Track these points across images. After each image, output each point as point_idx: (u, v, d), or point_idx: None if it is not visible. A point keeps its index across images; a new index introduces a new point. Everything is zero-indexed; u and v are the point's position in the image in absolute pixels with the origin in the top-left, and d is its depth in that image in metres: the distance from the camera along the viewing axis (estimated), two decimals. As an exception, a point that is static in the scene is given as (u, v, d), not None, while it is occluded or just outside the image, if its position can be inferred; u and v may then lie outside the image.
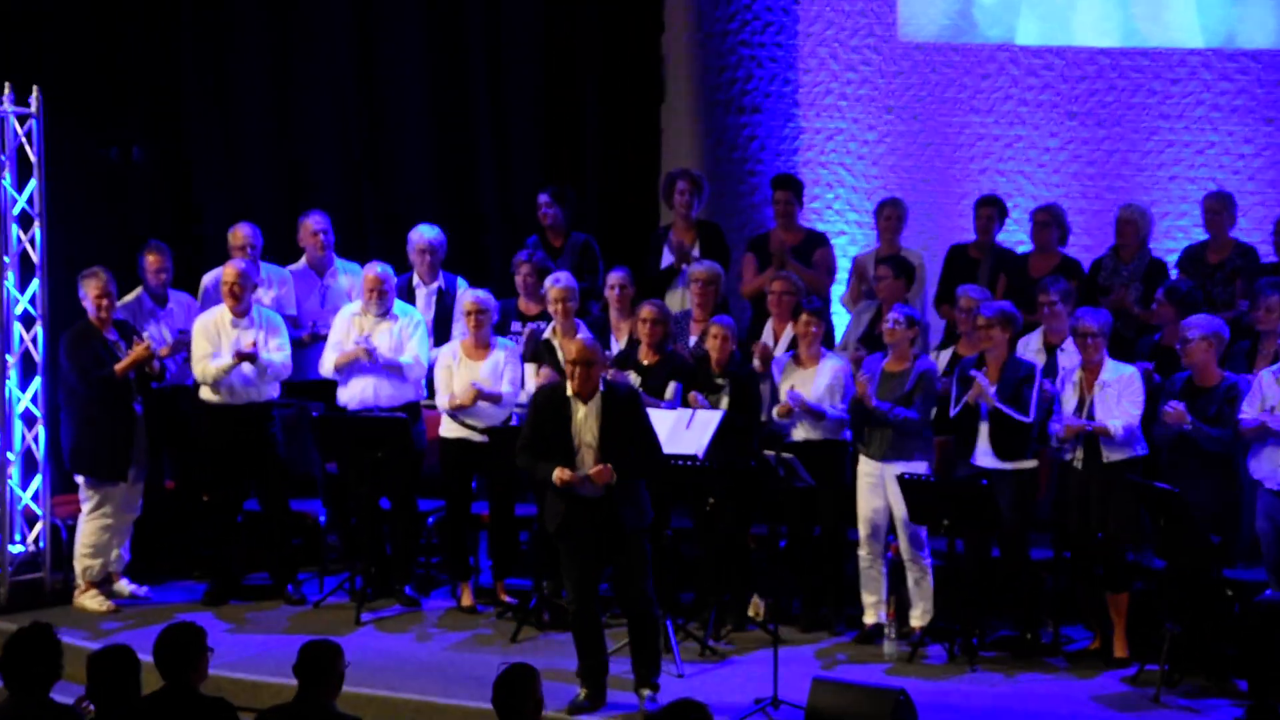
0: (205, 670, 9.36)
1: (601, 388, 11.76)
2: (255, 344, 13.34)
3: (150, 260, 14.10)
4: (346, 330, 13.91)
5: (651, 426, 12.02)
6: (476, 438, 13.44)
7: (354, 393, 13.86)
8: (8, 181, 13.59)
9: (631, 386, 12.58)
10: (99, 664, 9.52)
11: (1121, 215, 14.48)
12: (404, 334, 13.91)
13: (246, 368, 13.66)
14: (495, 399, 13.42)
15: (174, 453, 14.35)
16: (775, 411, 13.02)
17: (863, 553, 13.07)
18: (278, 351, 13.84)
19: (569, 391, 11.73)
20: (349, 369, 13.89)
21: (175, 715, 9.16)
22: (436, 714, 12.10)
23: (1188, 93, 15.81)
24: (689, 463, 12.49)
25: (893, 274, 14.07)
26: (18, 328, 13.78)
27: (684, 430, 12.61)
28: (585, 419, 11.70)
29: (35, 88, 13.69)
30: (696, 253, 15.04)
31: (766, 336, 14.08)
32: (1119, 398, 12.51)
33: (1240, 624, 12.05)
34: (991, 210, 15.05)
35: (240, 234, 14.32)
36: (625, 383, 12.65)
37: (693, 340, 13.89)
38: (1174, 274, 14.52)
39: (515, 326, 14.15)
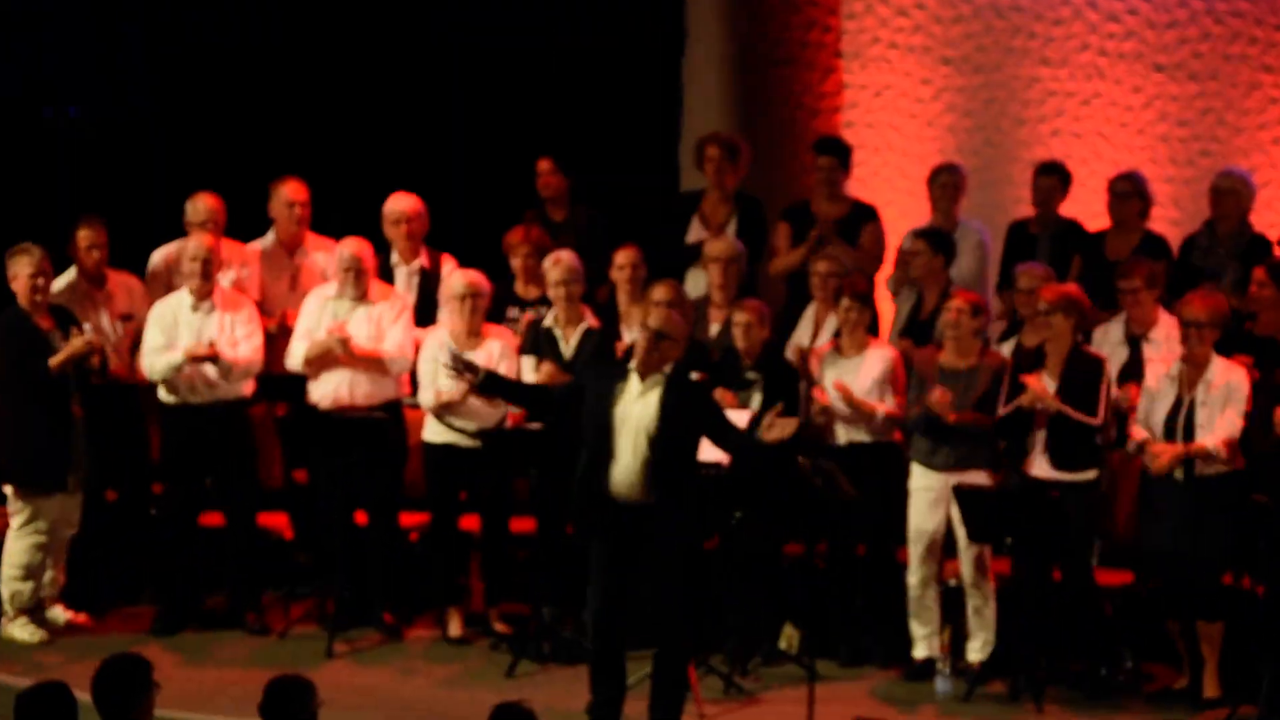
0: (150, 711, 9.32)
1: (669, 370, 11.76)
2: (213, 343, 13.31)
3: (83, 236, 14.07)
4: (318, 317, 13.93)
5: (727, 420, 12.05)
6: (467, 442, 13.48)
7: (326, 389, 13.87)
8: None
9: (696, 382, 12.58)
10: (28, 704, 9.43)
11: (1217, 184, 14.40)
12: (384, 320, 13.92)
13: (209, 368, 13.71)
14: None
15: (119, 459, 14.22)
16: (812, 410, 13.03)
17: (913, 577, 13.05)
18: (246, 342, 13.84)
19: (631, 363, 11.76)
20: (320, 362, 13.91)
21: None
22: None
23: None
24: (713, 471, 12.42)
25: (930, 249, 14.04)
26: None
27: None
28: (636, 398, 11.66)
29: None
30: (731, 230, 15.01)
31: (805, 325, 14.06)
32: (1224, 403, 12.52)
33: None
34: (1053, 180, 15.04)
35: (203, 205, 14.29)
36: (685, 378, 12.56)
37: (714, 330, 13.87)
38: None
39: (512, 313, 14.19)
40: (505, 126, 17.18)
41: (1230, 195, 14.27)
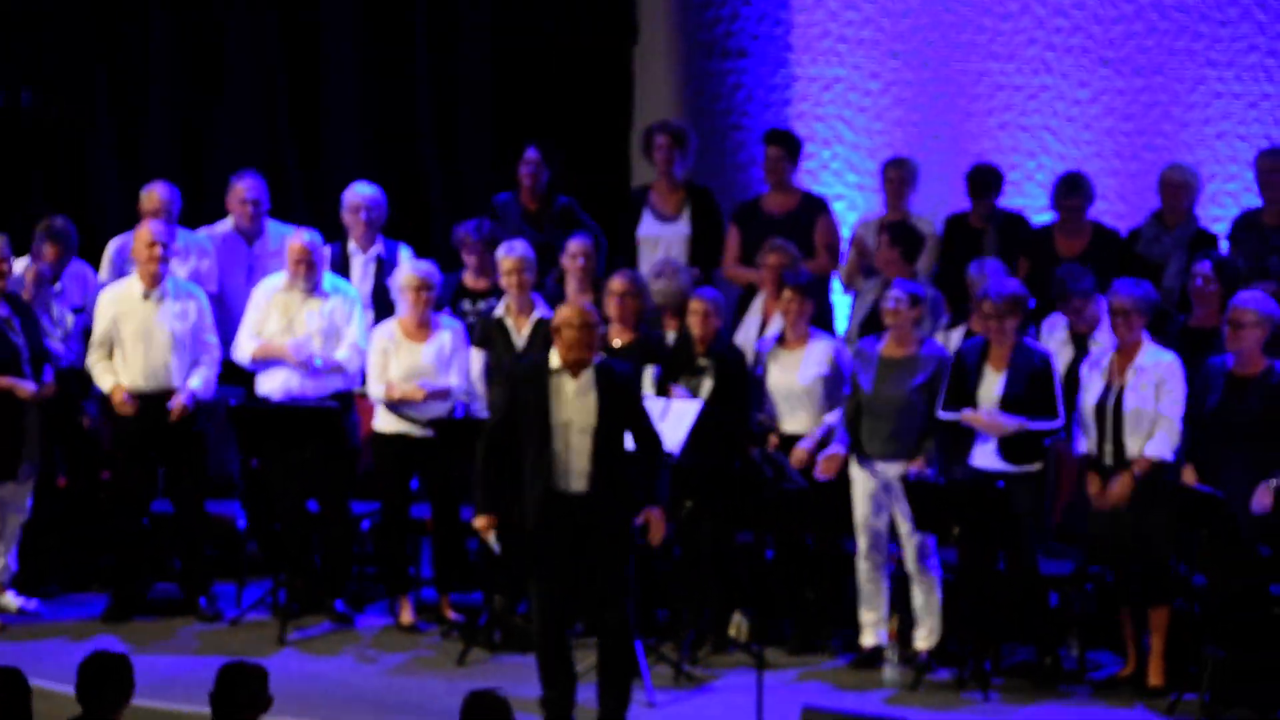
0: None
1: (596, 361, 11.81)
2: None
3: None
4: (266, 310, 13.97)
5: (648, 413, 12.18)
6: (419, 432, 13.53)
7: (277, 381, 13.90)
8: None
9: (627, 366, 12.57)
10: None
11: (1166, 177, 14.47)
12: (336, 315, 13.96)
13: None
14: (443, 394, 13.50)
15: (69, 446, 14.31)
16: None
17: (862, 565, 13.12)
18: (209, 335, 13.91)
19: (554, 364, 11.77)
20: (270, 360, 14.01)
21: None
22: None
23: (1239, 36, 15.92)
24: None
25: (892, 243, 14.05)
26: None
27: (658, 423, 12.49)
28: (575, 397, 11.73)
29: None
30: (685, 220, 15.10)
31: (753, 316, 14.15)
32: (1155, 388, 12.56)
33: None
34: (986, 178, 15.12)
35: (156, 196, 14.28)
36: (621, 363, 12.57)
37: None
38: (1225, 246, 14.60)
39: (465, 306, 14.23)
40: (469, 121, 17.13)
41: (1181, 188, 14.34)
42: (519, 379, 12.06)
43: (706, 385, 13.28)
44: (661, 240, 15.00)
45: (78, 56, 15.96)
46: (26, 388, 13.43)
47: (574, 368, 11.68)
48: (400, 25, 17.26)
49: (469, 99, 17.20)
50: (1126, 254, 14.32)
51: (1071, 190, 14.47)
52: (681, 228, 15.06)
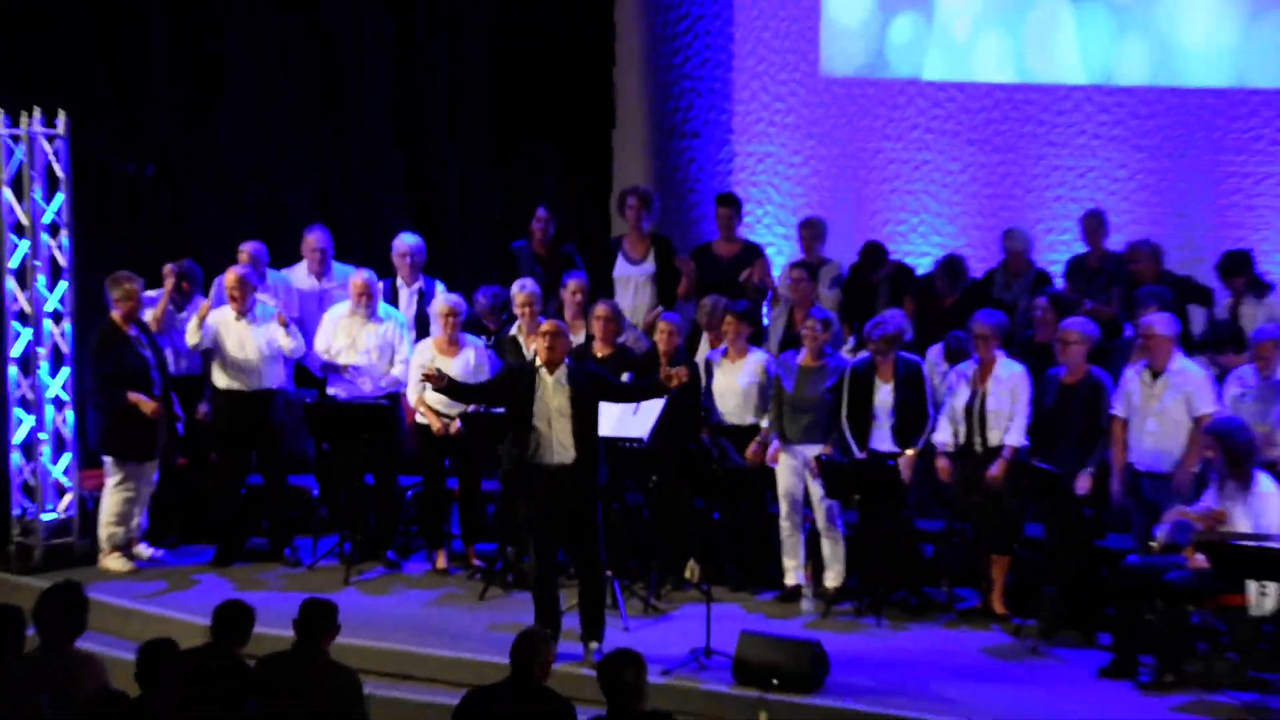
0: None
1: (567, 362, 11.86)
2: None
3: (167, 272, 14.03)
4: (333, 331, 13.92)
5: (619, 384, 12.28)
6: (452, 425, 13.42)
7: (342, 385, 13.94)
8: (38, 194, 13.52)
9: (594, 365, 12.63)
10: (49, 597, 9.47)
11: (1006, 244, 14.55)
12: (390, 335, 13.90)
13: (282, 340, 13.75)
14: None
15: (187, 434, 14.15)
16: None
17: (784, 524, 13.13)
18: (291, 340, 13.79)
19: (538, 363, 11.83)
20: (336, 368, 13.97)
21: (221, 675, 9.17)
22: (413, 662, 12.17)
23: (1071, 123, 16.03)
24: (635, 445, 12.56)
25: (806, 277, 14.09)
26: (48, 324, 13.73)
27: (631, 416, 12.54)
28: (552, 389, 11.77)
29: (62, 112, 13.57)
30: (649, 263, 15.00)
31: (704, 341, 14.04)
32: (1009, 393, 12.61)
33: (1108, 586, 12.16)
34: (877, 251, 15.21)
35: (248, 250, 14.20)
36: (591, 363, 12.69)
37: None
38: (1060, 282, 14.63)
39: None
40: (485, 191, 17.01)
41: (1016, 250, 14.47)
42: (514, 376, 12.10)
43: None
44: (632, 279, 14.93)
45: (188, 136, 15.70)
46: (148, 402, 13.40)
47: (550, 367, 11.76)
48: (425, 107, 17.14)
49: (480, 168, 17.09)
50: (985, 295, 14.28)
51: (952, 274, 14.51)
52: (647, 268, 14.95)
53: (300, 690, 9.36)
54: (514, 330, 13.87)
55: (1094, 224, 14.76)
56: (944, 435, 12.91)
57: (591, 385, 11.91)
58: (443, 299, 13.75)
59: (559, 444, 11.80)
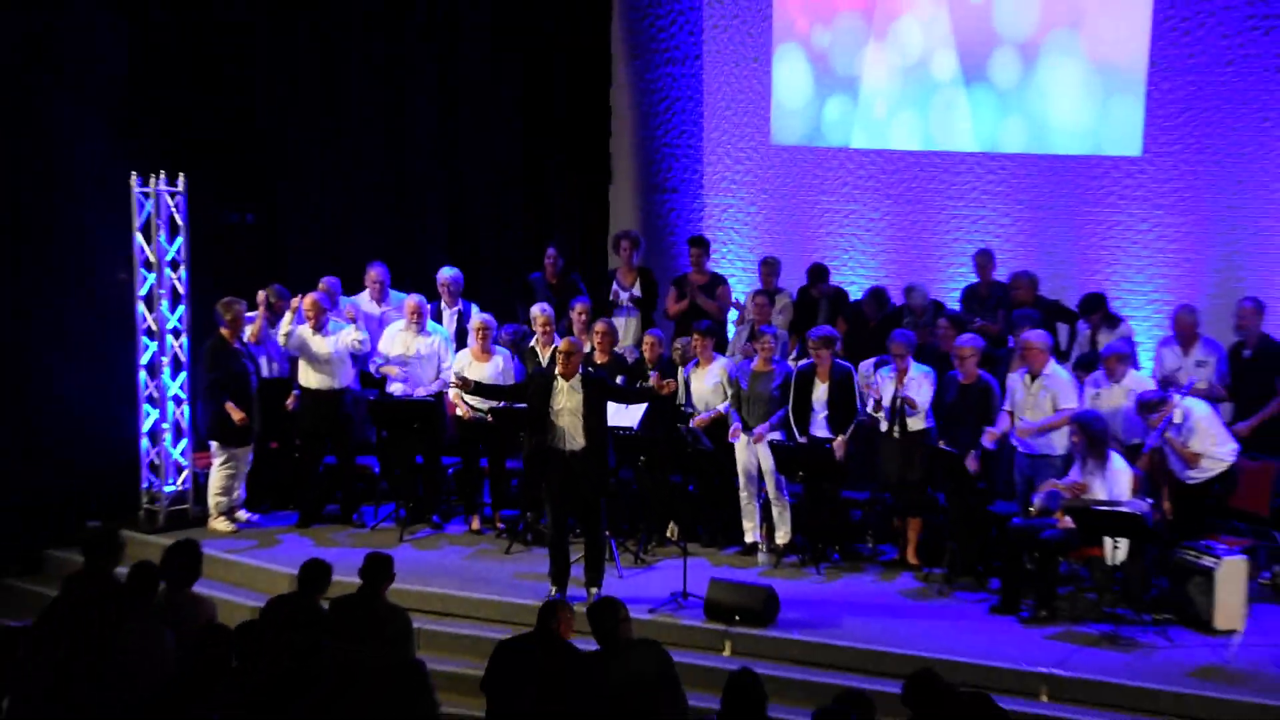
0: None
1: (580, 371, 11.86)
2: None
3: (261, 298, 13.99)
4: (391, 344, 13.86)
5: (619, 388, 12.36)
6: (485, 416, 13.31)
7: (398, 387, 13.86)
8: (162, 238, 13.49)
9: (603, 373, 12.67)
10: (173, 552, 9.65)
11: (907, 298, 14.32)
12: (436, 346, 13.82)
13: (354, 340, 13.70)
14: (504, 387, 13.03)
15: (276, 424, 14.12)
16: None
17: (743, 494, 13.11)
18: (359, 333, 13.76)
19: (555, 372, 11.83)
20: (391, 366, 13.88)
21: (303, 621, 9.27)
22: (454, 602, 12.18)
23: (966, 182, 15.96)
24: (627, 432, 12.56)
25: (767, 302, 14.06)
26: (169, 339, 13.71)
27: (624, 410, 12.59)
28: (566, 393, 11.76)
29: (181, 174, 13.57)
30: (637, 290, 14.94)
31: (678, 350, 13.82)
32: (919, 386, 12.59)
33: (996, 542, 12.23)
34: (820, 271, 15.09)
35: (324, 282, 14.10)
36: (598, 371, 12.72)
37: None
38: (956, 305, 14.61)
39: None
40: (509, 233, 16.94)
41: (918, 302, 14.19)
42: (538, 381, 12.06)
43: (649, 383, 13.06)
44: (621, 305, 14.94)
45: (279, 192, 15.62)
46: (238, 411, 13.34)
47: (566, 376, 11.77)
48: (466, 169, 16.90)
49: (511, 216, 16.94)
50: (900, 318, 14.19)
51: (879, 302, 14.47)
52: (635, 293, 14.95)
53: (363, 629, 9.38)
54: (533, 342, 13.81)
55: (983, 260, 14.73)
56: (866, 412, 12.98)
57: (597, 389, 11.93)
58: (477, 317, 13.67)
59: (571, 435, 11.80)
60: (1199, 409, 11.98)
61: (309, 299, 13.73)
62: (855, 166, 16.38)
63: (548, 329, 13.70)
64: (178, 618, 9.28)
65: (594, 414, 11.87)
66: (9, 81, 13.42)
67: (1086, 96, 15.27)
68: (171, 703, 8.26)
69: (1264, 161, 14.78)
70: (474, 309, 14.46)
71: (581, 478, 11.90)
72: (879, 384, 12.86)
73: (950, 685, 8.18)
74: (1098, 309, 13.80)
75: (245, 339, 13.67)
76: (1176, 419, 11.91)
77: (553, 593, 11.99)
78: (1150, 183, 15.25)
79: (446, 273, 14.57)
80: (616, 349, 13.75)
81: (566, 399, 11.84)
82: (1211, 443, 11.90)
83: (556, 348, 12.12)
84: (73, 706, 8.51)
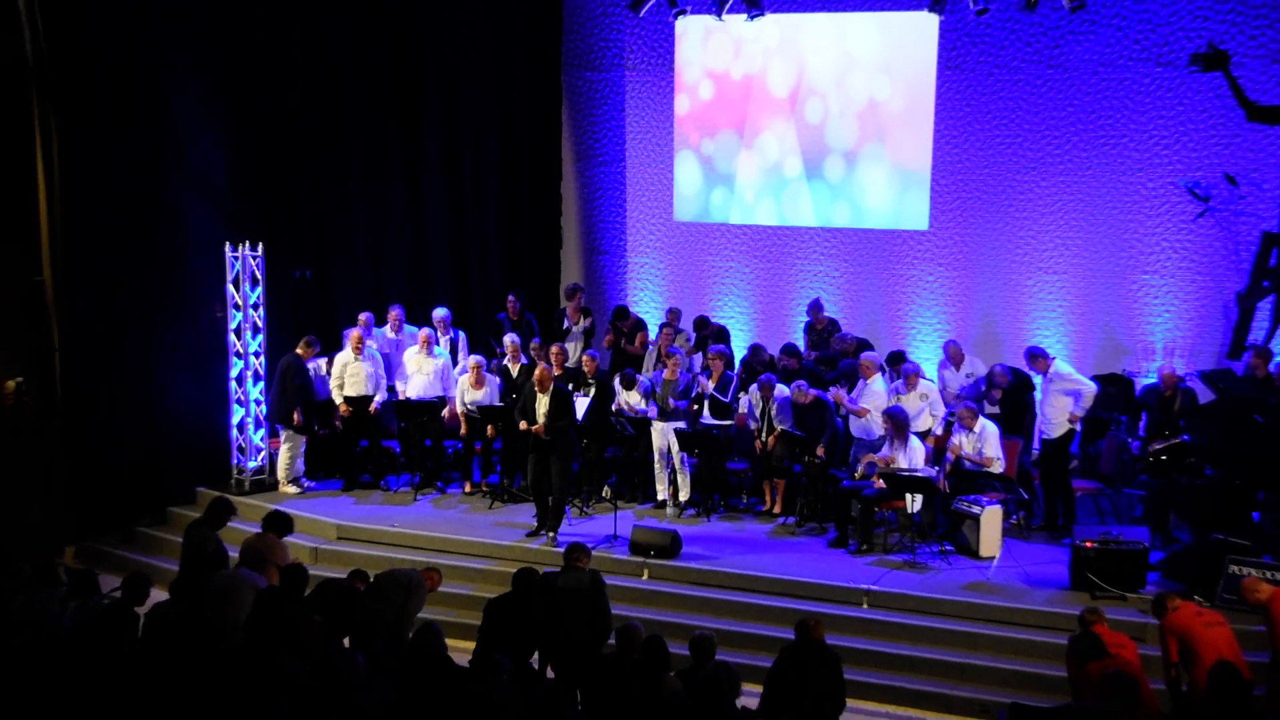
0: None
1: (552, 387, 11.93)
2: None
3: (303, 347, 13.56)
4: (409, 362, 13.63)
5: (574, 406, 12.20)
6: (474, 413, 13.18)
7: (414, 390, 13.61)
8: (247, 287, 13.37)
9: (566, 389, 12.48)
10: (270, 516, 9.76)
11: (750, 357, 13.96)
12: (440, 365, 13.60)
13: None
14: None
15: (325, 419, 13.73)
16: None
17: (657, 465, 12.92)
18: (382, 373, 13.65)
19: (536, 387, 11.96)
20: (410, 385, 13.61)
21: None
22: (452, 545, 12.02)
23: (810, 248, 15.87)
24: (573, 422, 12.29)
25: (672, 333, 13.91)
26: (251, 359, 13.52)
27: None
28: (543, 400, 11.88)
29: (260, 243, 13.48)
30: (586, 323, 14.77)
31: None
32: (777, 404, 12.48)
33: (834, 497, 12.10)
34: (706, 323, 14.68)
35: (362, 318, 13.88)
36: (561, 385, 12.53)
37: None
38: (802, 338, 14.54)
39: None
40: (491, 284, 16.51)
41: (757, 360, 13.60)
42: (525, 394, 12.14)
43: (592, 391, 13.16)
44: (571, 333, 14.72)
45: (327, 256, 15.21)
46: (299, 419, 13.28)
47: (542, 389, 11.86)
48: (465, 236, 16.32)
49: (490, 269, 16.50)
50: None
51: (787, 353, 13.66)
52: (583, 326, 14.77)
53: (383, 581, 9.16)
54: (505, 361, 13.70)
55: (816, 310, 14.66)
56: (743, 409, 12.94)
57: (561, 397, 12.00)
58: (473, 358, 13.46)
59: (544, 427, 11.87)
60: (990, 426, 12.06)
61: (354, 332, 13.56)
62: (732, 237, 16.29)
63: (515, 352, 13.63)
64: (265, 557, 9.38)
65: (560, 414, 11.91)
66: (145, 178, 13.27)
67: (889, 188, 15.31)
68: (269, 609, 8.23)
69: (1012, 235, 14.98)
70: (462, 337, 14.32)
71: (550, 455, 11.94)
72: (754, 391, 12.82)
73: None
74: (897, 362, 13.39)
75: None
76: (975, 429, 11.99)
77: (534, 531, 12.00)
78: (934, 249, 15.33)
79: (439, 311, 14.30)
80: (567, 364, 13.69)
81: (541, 405, 11.94)
82: (995, 449, 12.00)
83: (535, 374, 12.12)
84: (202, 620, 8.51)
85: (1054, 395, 12.12)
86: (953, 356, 13.41)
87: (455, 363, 14.04)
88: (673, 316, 14.67)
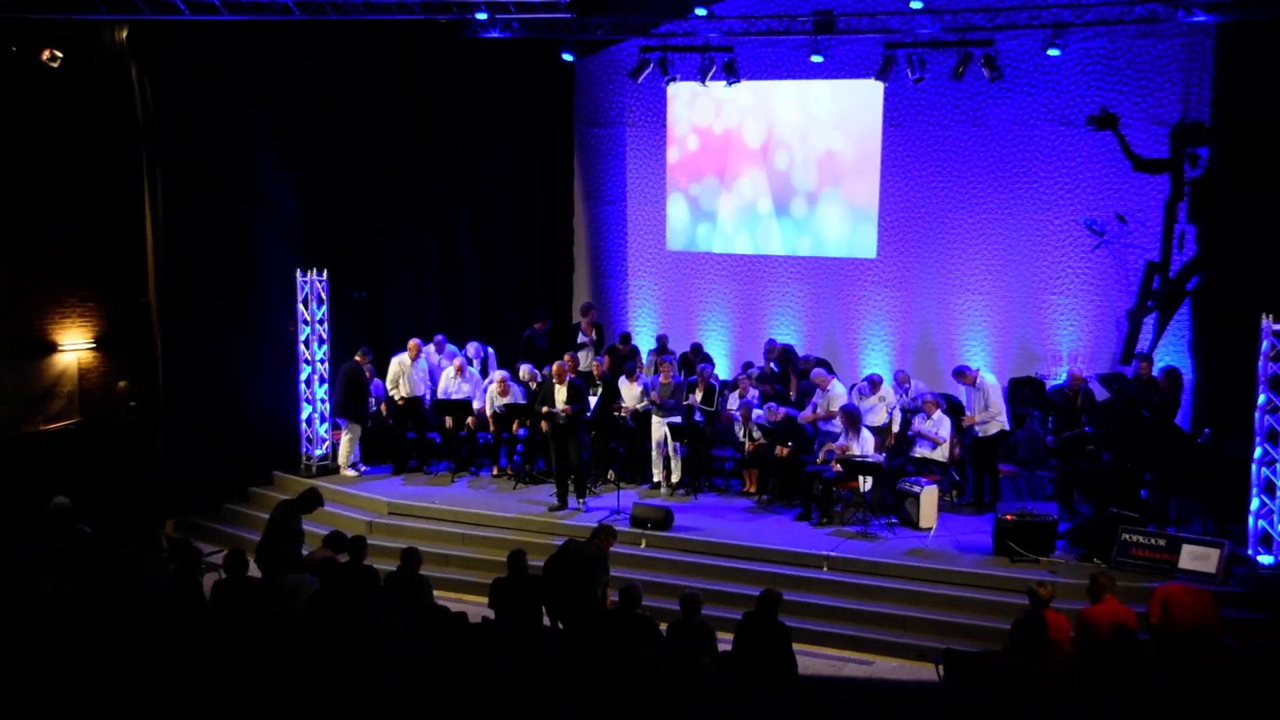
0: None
1: (568, 379, 11.98)
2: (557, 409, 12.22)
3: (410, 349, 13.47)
4: (446, 381, 13.50)
5: (587, 395, 12.15)
6: (501, 411, 13.13)
7: (448, 392, 13.46)
8: (314, 307, 13.21)
9: (580, 383, 12.35)
10: (308, 494, 9.72)
11: (690, 349, 14.10)
12: (471, 382, 13.55)
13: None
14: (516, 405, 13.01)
15: (376, 414, 13.64)
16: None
17: (654, 452, 12.81)
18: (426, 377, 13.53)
19: (554, 380, 11.99)
20: (445, 392, 13.37)
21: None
22: (484, 519, 11.93)
23: (780, 273, 15.66)
24: (587, 414, 12.33)
25: (661, 359, 13.61)
26: (318, 365, 13.44)
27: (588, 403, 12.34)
28: (560, 391, 11.90)
29: (325, 269, 13.40)
30: (594, 336, 14.70)
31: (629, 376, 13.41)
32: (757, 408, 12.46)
33: (800, 480, 12.02)
34: (691, 350, 14.50)
35: (414, 342, 13.49)
36: (577, 379, 12.47)
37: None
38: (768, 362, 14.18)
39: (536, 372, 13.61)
40: (515, 304, 16.35)
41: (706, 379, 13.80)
42: (545, 388, 12.16)
43: (599, 390, 13.04)
44: (584, 345, 14.57)
45: (382, 278, 15.05)
46: (364, 419, 13.33)
47: (559, 380, 11.88)
48: (490, 269, 16.06)
49: (514, 294, 16.16)
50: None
51: (761, 379, 13.49)
52: (592, 338, 14.75)
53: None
54: (521, 374, 13.63)
55: (770, 350, 14.12)
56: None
57: (576, 389, 12.01)
58: (497, 374, 13.31)
59: (559, 415, 11.87)
60: (945, 417, 12.05)
61: (411, 344, 13.45)
62: (714, 263, 16.07)
63: (531, 375, 13.56)
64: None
65: (576, 400, 11.92)
66: (231, 217, 13.35)
67: (844, 222, 15.15)
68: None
69: (946, 262, 14.95)
70: (491, 353, 14.19)
71: (568, 440, 11.95)
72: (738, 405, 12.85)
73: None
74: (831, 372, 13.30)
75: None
76: (934, 416, 11.97)
77: (554, 506, 11.93)
78: (881, 274, 15.21)
79: (471, 346, 14.21)
80: (579, 369, 13.65)
81: (560, 394, 11.94)
82: (946, 433, 11.96)
83: (554, 368, 12.14)
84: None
85: (983, 402, 12.04)
86: (900, 380, 13.30)
87: (485, 374, 13.99)
88: (663, 345, 14.71)
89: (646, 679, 6.58)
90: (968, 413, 12.06)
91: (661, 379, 13.01)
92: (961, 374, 12.21)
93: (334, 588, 7.93)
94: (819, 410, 12.42)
